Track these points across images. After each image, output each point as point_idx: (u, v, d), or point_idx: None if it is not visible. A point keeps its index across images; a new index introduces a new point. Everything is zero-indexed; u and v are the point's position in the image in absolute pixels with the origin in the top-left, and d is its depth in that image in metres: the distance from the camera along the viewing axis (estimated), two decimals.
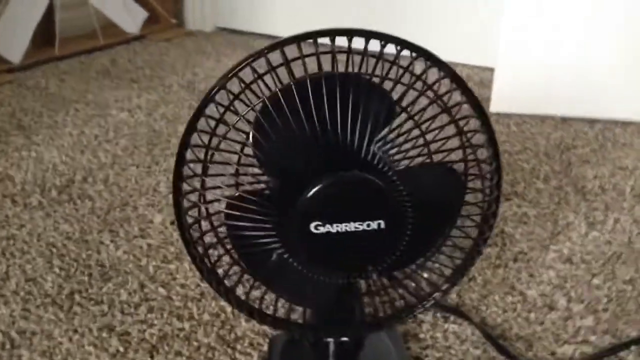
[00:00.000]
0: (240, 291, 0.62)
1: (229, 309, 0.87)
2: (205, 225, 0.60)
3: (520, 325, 0.84)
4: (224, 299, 0.61)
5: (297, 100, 0.53)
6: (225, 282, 0.60)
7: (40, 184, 1.23)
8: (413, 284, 0.64)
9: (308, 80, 0.52)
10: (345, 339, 0.67)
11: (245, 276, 0.61)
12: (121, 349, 0.81)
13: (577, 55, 1.48)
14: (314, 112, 0.53)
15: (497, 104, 1.52)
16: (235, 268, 0.60)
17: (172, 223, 1.09)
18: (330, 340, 0.69)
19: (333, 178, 0.53)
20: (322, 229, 0.54)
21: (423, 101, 0.58)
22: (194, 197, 0.60)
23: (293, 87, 0.52)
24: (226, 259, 0.61)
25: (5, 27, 1.88)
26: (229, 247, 0.59)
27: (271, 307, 0.63)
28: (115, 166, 1.30)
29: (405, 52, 0.57)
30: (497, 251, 0.99)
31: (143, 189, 1.21)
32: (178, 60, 2.01)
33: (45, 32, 1.99)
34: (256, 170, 0.59)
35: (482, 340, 0.81)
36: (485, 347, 0.80)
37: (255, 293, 0.63)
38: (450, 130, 0.59)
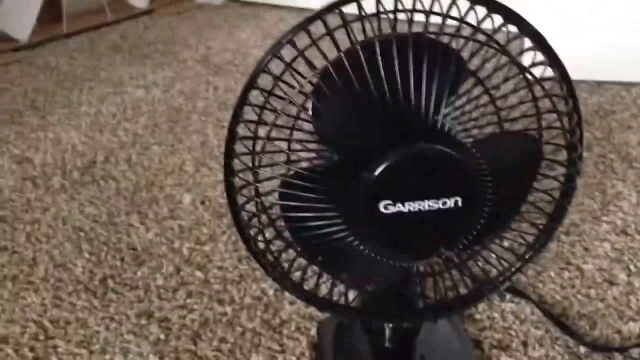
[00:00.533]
0: (296, 277, 0.58)
1: (270, 291, 0.83)
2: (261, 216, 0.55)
3: (582, 303, 0.80)
4: (290, 292, 0.57)
5: (363, 65, 0.47)
6: (290, 275, 0.55)
7: (60, 165, 1.18)
8: (480, 264, 0.59)
9: (377, 42, 0.46)
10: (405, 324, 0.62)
11: (301, 261, 0.57)
12: (162, 337, 0.77)
13: (611, 17, 1.41)
14: (383, 77, 0.47)
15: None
16: (300, 260, 0.55)
17: (202, 203, 1.04)
18: (387, 325, 0.65)
19: (404, 151, 0.48)
20: (392, 209, 0.49)
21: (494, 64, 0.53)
22: (247, 176, 0.55)
23: (359, 50, 0.47)
24: (284, 248, 0.56)
25: (11, 6, 1.82)
26: (288, 237, 0.54)
27: (328, 292, 0.58)
28: (137, 145, 1.25)
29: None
30: None
31: (168, 169, 1.16)
32: (190, 34, 1.95)
33: (52, 9, 1.92)
34: (314, 146, 0.54)
35: (542, 320, 0.77)
36: (546, 326, 0.76)
37: (309, 279, 0.58)
38: (523, 96, 0.53)
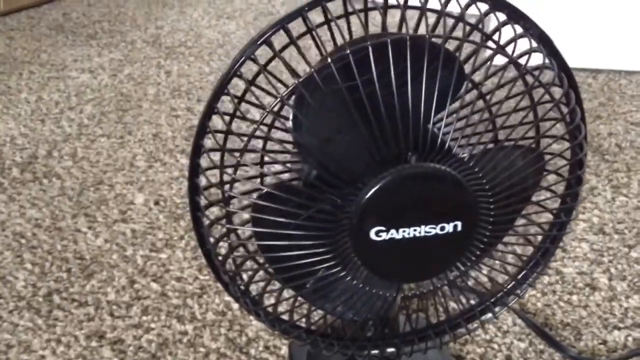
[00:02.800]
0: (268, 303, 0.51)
1: (235, 305, 0.76)
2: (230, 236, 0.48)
3: (564, 310, 0.76)
4: (266, 324, 0.50)
5: (353, 70, 0.41)
6: (259, 300, 0.49)
7: None
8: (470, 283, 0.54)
9: (370, 46, 0.40)
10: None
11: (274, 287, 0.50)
12: None
13: (577, 2, 1.38)
14: (376, 83, 0.41)
15: None
16: (272, 284, 0.48)
17: (156, 203, 0.96)
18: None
19: (397, 172, 0.42)
20: (384, 236, 0.43)
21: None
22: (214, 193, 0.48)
23: (349, 52, 0.40)
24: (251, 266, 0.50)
25: None
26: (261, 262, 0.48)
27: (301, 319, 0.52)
28: (83, 137, 1.16)
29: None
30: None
31: (118, 164, 1.07)
32: (138, 13, 1.83)
33: None
34: (291, 160, 0.47)
35: (526, 331, 0.73)
36: (530, 338, 0.72)
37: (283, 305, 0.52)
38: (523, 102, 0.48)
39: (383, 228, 0.43)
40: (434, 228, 0.43)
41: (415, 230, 0.43)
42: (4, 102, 1.29)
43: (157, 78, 1.43)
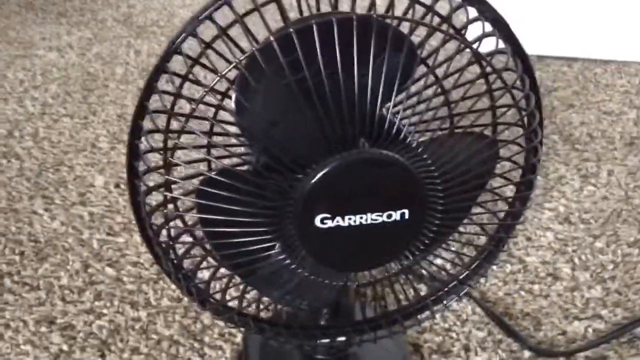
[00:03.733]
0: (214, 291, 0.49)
1: None
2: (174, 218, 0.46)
3: (525, 299, 0.75)
4: (203, 309, 0.49)
5: (297, 50, 0.39)
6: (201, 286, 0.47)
7: None
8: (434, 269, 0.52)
9: (314, 24, 0.38)
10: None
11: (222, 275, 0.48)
12: (65, 347, 0.67)
13: None
14: (321, 64, 0.39)
15: None
16: (221, 271, 0.47)
17: (116, 186, 0.93)
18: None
19: (344, 157, 0.40)
20: (330, 223, 0.41)
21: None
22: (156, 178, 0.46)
23: (293, 33, 0.38)
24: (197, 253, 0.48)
25: None
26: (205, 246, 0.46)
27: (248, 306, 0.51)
28: (46, 117, 1.13)
29: None
30: None
31: (80, 145, 1.04)
32: None
33: None
34: (236, 144, 0.45)
35: (485, 320, 0.72)
36: (489, 328, 0.71)
37: (232, 292, 0.50)
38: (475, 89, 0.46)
39: (328, 215, 0.41)
40: (381, 216, 0.42)
41: (361, 217, 0.42)
42: None
43: (126, 57, 1.39)
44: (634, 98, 1.23)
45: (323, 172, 0.40)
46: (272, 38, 0.38)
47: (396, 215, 0.42)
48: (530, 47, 1.46)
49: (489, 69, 0.44)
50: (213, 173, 0.43)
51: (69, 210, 0.88)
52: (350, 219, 0.41)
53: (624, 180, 0.98)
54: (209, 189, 0.42)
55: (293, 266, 0.44)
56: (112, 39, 1.49)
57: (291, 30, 0.38)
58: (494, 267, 0.79)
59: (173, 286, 0.75)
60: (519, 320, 0.72)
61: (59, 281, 0.76)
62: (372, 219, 0.42)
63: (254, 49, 0.38)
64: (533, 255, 0.82)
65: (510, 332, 0.69)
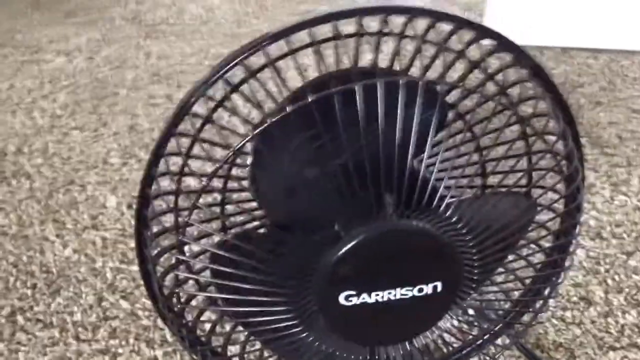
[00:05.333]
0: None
1: None
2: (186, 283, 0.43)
3: (557, 328, 0.72)
4: None
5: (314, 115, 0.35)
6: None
7: None
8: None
9: (334, 95, 0.34)
10: None
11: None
12: None
13: None
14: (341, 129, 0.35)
15: None
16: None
17: (129, 207, 0.91)
18: None
19: (371, 229, 0.37)
20: (355, 300, 0.38)
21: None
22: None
23: (309, 95, 0.34)
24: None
25: None
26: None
27: None
28: (55, 130, 1.10)
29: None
30: None
31: (91, 161, 1.01)
32: None
33: None
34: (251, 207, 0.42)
35: (516, 354, 0.68)
36: None
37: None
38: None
39: (353, 292, 0.38)
40: (411, 290, 0.38)
41: (389, 293, 0.38)
42: None
43: (136, 61, 1.36)
44: None
45: (350, 245, 0.37)
46: (288, 109, 0.34)
47: (428, 289, 0.39)
48: (554, 39, 1.41)
49: (529, 130, 0.40)
50: (222, 243, 0.40)
51: (80, 236, 0.85)
52: (377, 295, 0.38)
53: None
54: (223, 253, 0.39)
55: (312, 340, 0.41)
56: (121, 40, 1.46)
57: (309, 99, 0.34)
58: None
59: None
60: (552, 352, 0.69)
61: (72, 317, 0.73)
62: (401, 294, 0.38)
63: (268, 122, 0.35)
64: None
65: None
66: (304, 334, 0.40)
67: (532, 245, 0.45)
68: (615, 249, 0.83)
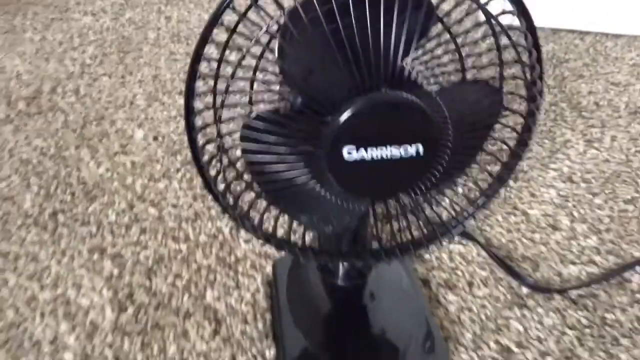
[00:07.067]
0: (255, 217, 0.58)
1: (226, 230, 0.83)
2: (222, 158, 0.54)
3: (526, 246, 0.83)
4: (250, 232, 0.57)
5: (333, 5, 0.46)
6: (250, 216, 0.55)
7: (5, 94, 1.13)
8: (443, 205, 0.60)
9: None
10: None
11: (261, 202, 0.57)
12: (115, 272, 0.76)
13: None
14: (352, 18, 0.46)
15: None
16: (260, 201, 0.55)
17: (155, 139, 1.02)
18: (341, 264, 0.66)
19: (370, 98, 0.48)
20: (355, 155, 0.49)
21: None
22: (208, 118, 0.54)
23: None
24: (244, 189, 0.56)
25: None
26: (246, 175, 0.54)
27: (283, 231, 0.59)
28: (85, 76, 1.21)
29: None
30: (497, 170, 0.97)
31: (119, 102, 1.12)
32: None
33: None
34: (278, 87, 0.53)
35: (488, 261, 0.80)
36: (491, 267, 0.79)
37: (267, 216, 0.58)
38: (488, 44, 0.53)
39: (353, 147, 0.49)
40: (399, 149, 0.49)
41: (381, 150, 0.49)
42: (10, 40, 1.34)
43: (158, 23, 1.47)
44: None
45: (350, 110, 0.48)
46: None
47: (412, 150, 0.50)
48: (545, 20, 1.52)
49: (497, 29, 0.51)
50: (254, 116, 0.51)
51: (112, 159, 0.97)
52: (372, 151, 0.49)
53: (625, 145, 1.05)
54: (254, 122, 0.50)
55: (322, 191, 0.52)
56: (143, 4, 1.57)
57: None
58: (499, 218, 0.87)
59: (210, 225, 0.84)
60: (519, 263, 0.80)
61: (107, 218, 0.84)
62: (391, 152, 0.49)
63: (296, 2, 0.46)
64: (536, 209, 0.90)
65: (510, 271, 0.77)
66: (318, 188, 0.52)
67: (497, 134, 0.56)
68: (583, 190, 0.94)
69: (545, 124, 1.10)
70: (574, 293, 0.76)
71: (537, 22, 1.37)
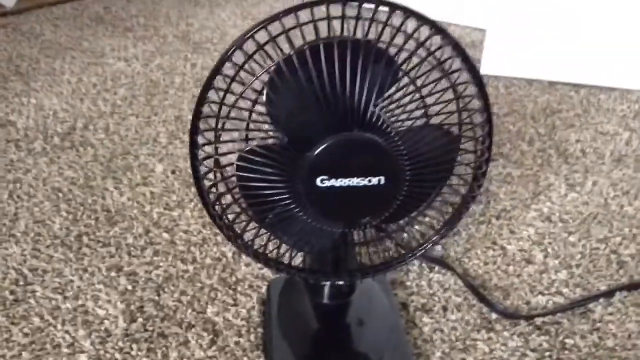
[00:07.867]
0: (247, 238, 0.68)
1: (229, 254, 0.93)
2: (221, 184, 0.64)
3: (499, 277, 0.91)
4: (242, 251, 0.67)
5: (309, 64, 0.57)
6: (236, 230, 0.65)
7: (42, 130, 1.26)
8: (405, 236, 0.70)
9: (321, 45, 0.56)
10: (340, 282, 0.73)
11: (253, 225, 0.67)
12: (129, 287, 0.86)
13: (565, 21, 1.52)
14: (324, 75, 0.57)
15: (487, 66, 1.57)
16: (244, 217, 0.65)
17: (172, 172, 1.13)
18: (326, 283, 0.75)
19: (339, 137, 0.58)
20: (327, 183, 0.59)
21: (425, 67, 0.63)
22: (209, 149, 0.65)
23: (307, 51, 0.56)
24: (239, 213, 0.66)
25: None
26: (239, 200, 0.64)
27: (274, 252, 0.69)
28: (115, 115, 1.34)
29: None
30: (481, 208, 1.06)
31: (143, 139, 1.25)
32: (172, 10, 2.02)
33: None
34: (267, 127, 0.64)
35: (463, 289, 0.88)
36: (466, 295, 0.87)
37: (259, 241, 0.68)
38: (449, 95, 0.63)
39: (326, 177, 0.59)
40: (364, 180, 0.59)
41: (350, 180, 0.59)
42: (49, 82, 1.48)
43: (184, 69, 1.60)
44: (630, 121, 1.37)
45: (324, 146, 0.58)
46: (291, 53, 0.56)
47: (375, 181, 0.59)
48: (543, 73, 1.63)
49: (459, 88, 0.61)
50: (246, 150, 0.61)
51: (134, 189, 1.08)
52: (341, 180, 0.59)
53: (605, 190, 1.13)
54: (249, 155, 0.61)
55: (300, 213, 0.62)
56: (172, 52, 1.71)
57: (306, 47, 0.56)
58: (478, 252, 0.95)
59: (215, 249, 0.94)
60: (492, 291, 0.88)
61: (126, 240, 0.95)
62: (357, 182, 0.59)
63: (279, 60, 0.57)
64: (513, 245, 0.98)
65: (482, 299, 0.85)
66: (296, 210, 0.61)
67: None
68: (560, 230, 1.02)
69: (532, 169, 1.18)
70: (539, 320, 0.83)
71: (535, 74, 1.52)
